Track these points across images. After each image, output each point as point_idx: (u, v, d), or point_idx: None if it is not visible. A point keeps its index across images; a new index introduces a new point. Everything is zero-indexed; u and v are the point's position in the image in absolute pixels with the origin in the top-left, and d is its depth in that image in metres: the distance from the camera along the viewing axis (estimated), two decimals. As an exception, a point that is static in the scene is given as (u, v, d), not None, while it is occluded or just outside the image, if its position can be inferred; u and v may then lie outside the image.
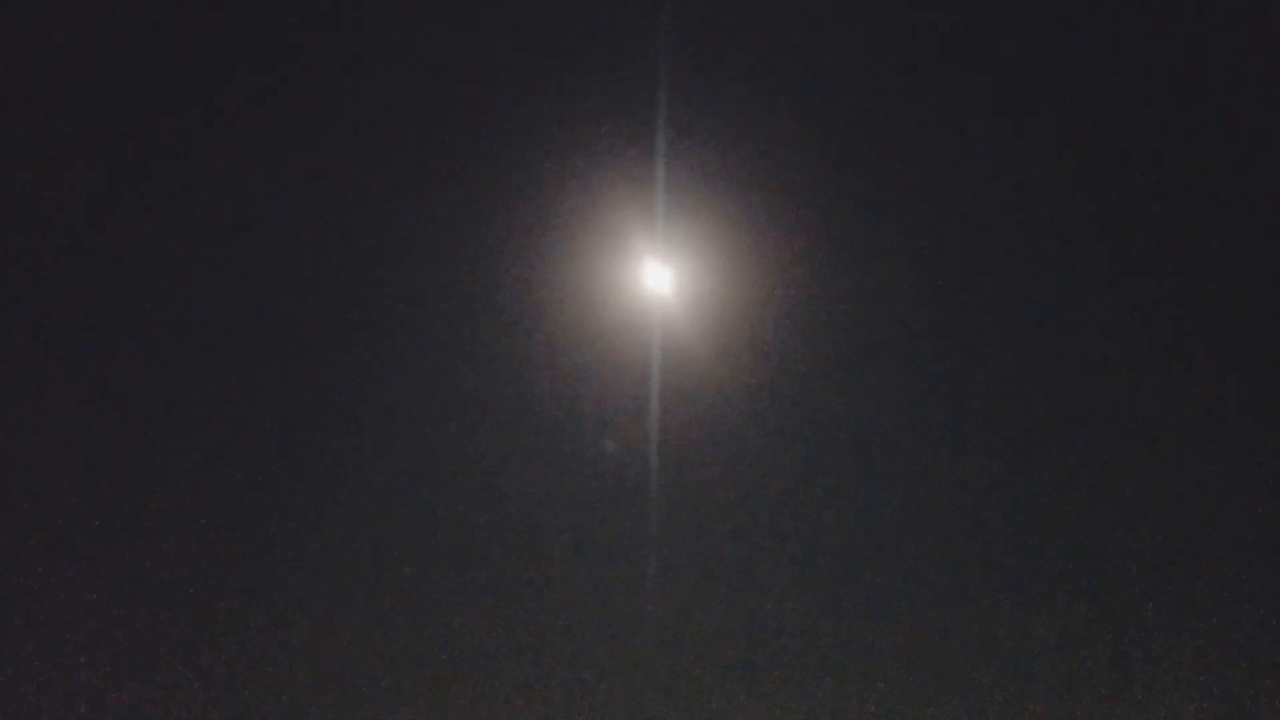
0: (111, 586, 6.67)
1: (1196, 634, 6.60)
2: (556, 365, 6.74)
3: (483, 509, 6.73)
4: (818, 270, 6.76)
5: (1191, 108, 6.91)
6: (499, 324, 6.74)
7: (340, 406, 6.73)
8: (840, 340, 6.74)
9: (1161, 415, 6.76)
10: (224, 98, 6.83)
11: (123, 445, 6.74)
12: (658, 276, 6.78)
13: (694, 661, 6.67)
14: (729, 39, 6.79)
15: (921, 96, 6.84)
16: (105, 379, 6.80)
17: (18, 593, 6.62)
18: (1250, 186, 6.85)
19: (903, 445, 6.71)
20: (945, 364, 6.77)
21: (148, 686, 6.59)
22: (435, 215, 6.78)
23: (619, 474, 6.71)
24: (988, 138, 6.86)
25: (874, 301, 6.74)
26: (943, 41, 6.85)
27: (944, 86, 6.85)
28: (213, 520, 6.70)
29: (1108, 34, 6.84)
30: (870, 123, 6.81)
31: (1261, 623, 6.59)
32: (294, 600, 6.65)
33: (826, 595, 6.67)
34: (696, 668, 6.67)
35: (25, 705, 6.54)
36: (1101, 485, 6.72)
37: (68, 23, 6.87)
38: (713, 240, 6.79)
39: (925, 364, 6.74)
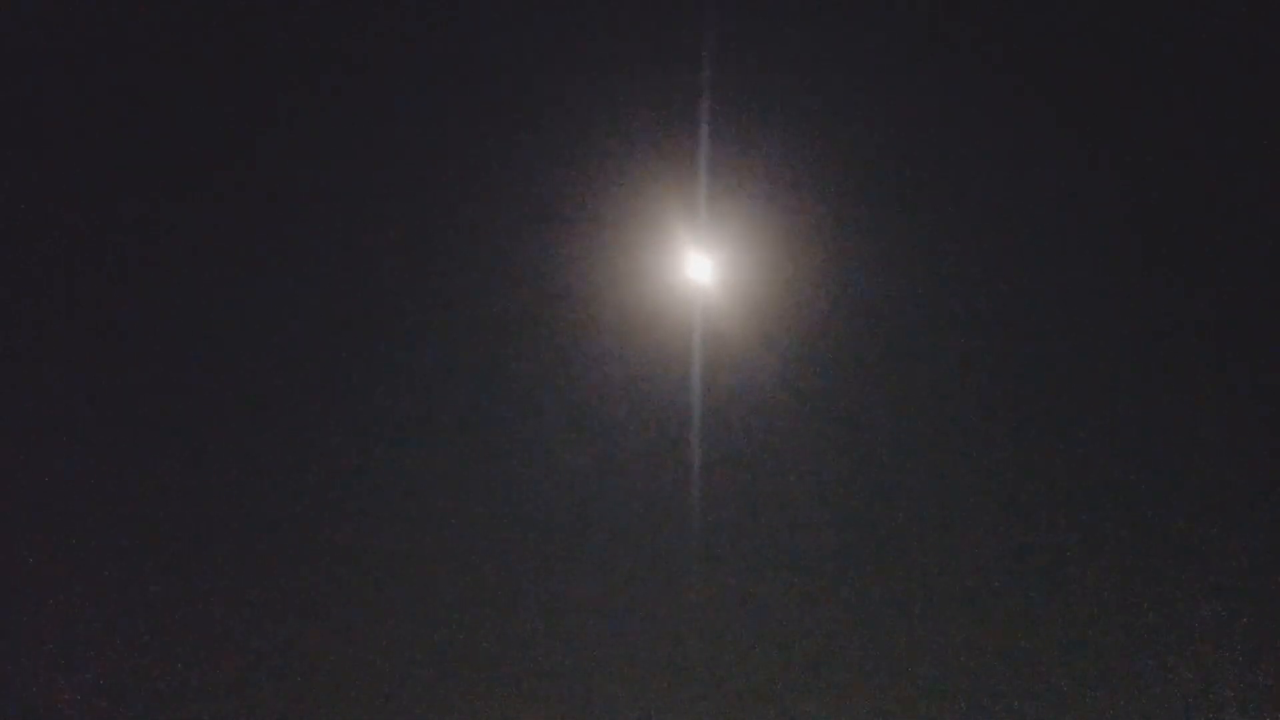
0: (118, 589, 6.64)
1: (1200, 634, 6.74)
2: (598, 355, 6.74)
3: (524, 500, 6.73)
4: (858, 261, 6.81)
5: (1206, 110, 7.04)
6: (542, 314, 6.74)
7: (384, 400, 6.72)
8: (881, 330, 6.80)
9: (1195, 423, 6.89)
10: (257, 95, 6.78)
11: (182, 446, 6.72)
12: (699, 267, 6.80)
13: (735, 655, 6.71)
14: (772, 31, 6.81)
15: (964, 90, 6.91)
16: (126, 383, 6.76)
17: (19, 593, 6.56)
18: (1251, 187, 6.98)
19: (944, 436, 6.78)
20: (988, 355, 6.85)
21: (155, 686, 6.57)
22: (479, 208, 6.76)
23: (662, 463, 6.74)
24: (1029, 132, 6.94)
25: (916, 292, 6.81)
26: (983, 36, 6.91)
27: (984, 79, 6.93)
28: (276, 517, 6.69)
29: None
30: (913, 115, 6.86)
31: (1262, 622, 6.73)
32: (340, 599, 6.66)
33: (868, 588, 6.73)
34: (737, 661, 6.71)
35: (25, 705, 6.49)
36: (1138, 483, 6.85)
37: (71, 23, 6.79)
38: (754, 231, 6.82)
39: (968, 355, 6.81)
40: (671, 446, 6.75)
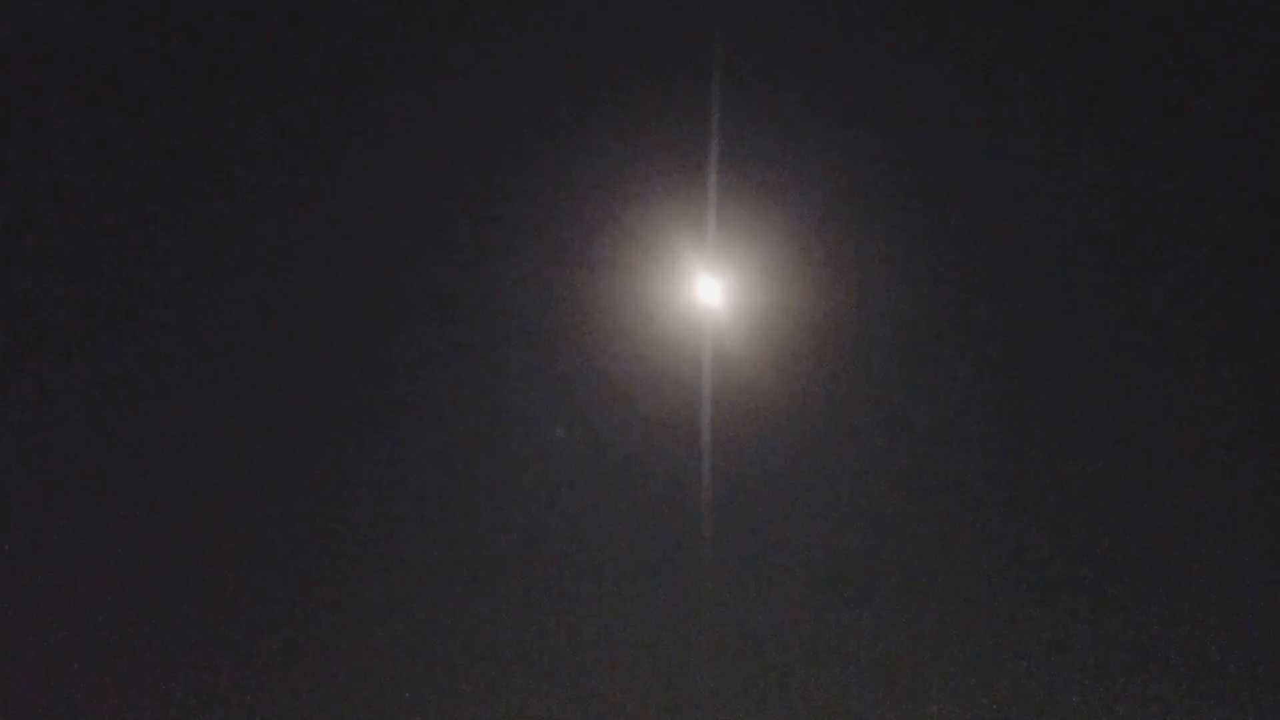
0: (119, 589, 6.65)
1: (1201, 634, 6.79)
2: (608, 377, 6.73)
3: (535, 518, 6.75)
4: (868, 283, 6.78)
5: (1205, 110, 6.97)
6: (551, 336, 6.72)
7: (395, 414, 6.72)
8: (892, 353, 6.80)
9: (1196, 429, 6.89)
10: (264, 101, 6.71)
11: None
12: (709, 289, 6.76)
13: (745, 667, 6.77)
14: (783, 52, 6.74)
15: (978, 114, 6.85)
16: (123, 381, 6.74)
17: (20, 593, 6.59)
18: (1251, 187, 6.93)
19: (956, 458, 6.79)
20: (1001, 375, 6.83)
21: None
22: (488, 228, 6.72)
23: (671, 484, 6.75)
24: (1043, 153, 6.88)
25: (928, 315, 6.79)
26: (1002, 60, 6.84)
27: (1000, 103, 6.86)
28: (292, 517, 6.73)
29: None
30: (925, 138, 6.81)
31: (1260, 623, 6.77)
32: (345, 602, 6.71)
33: (876, 601, 6.78)
34: (748, 673, 6.77)
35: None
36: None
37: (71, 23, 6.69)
38: (763, 253, 6.78)
39: (981, 377, 6.81)
40: (681, 469, 6.76)
